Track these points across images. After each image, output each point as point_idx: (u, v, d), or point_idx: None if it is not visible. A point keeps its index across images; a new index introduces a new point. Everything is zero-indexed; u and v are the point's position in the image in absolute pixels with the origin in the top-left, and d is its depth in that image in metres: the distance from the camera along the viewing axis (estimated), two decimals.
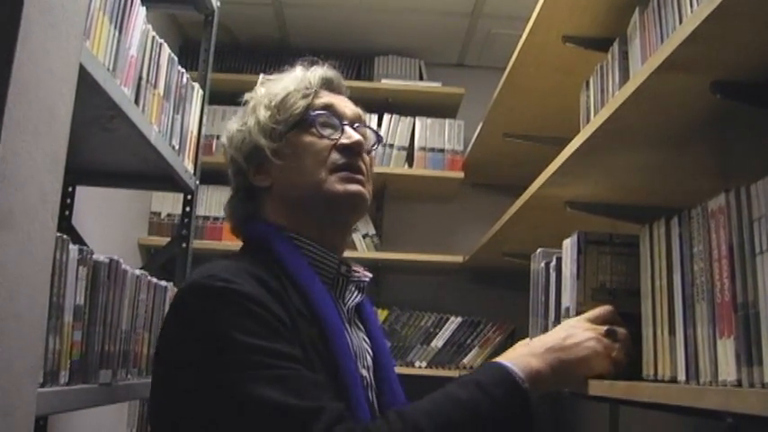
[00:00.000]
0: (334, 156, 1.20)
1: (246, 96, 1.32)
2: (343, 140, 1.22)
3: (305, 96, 1.24)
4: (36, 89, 0.91)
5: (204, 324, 1.00)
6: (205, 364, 0.98)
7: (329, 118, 1.24)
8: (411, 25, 3.46)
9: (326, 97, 1.26)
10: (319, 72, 1.29)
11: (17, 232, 0.89)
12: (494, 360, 1.11)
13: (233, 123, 1.30)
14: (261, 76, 1.34)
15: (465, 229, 3.49)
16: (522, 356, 1.10)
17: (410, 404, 1.03)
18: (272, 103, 1.24)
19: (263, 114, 1.24)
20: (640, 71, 1.12)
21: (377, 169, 3.24)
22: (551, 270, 1.47)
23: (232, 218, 1.29)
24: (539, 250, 1.58)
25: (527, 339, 1.47)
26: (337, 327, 1.09)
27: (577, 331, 1.16)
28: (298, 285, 1.11)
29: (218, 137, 3.04)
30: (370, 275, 1.27)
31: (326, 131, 1.23)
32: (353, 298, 1.23)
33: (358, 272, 1.24)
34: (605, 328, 1.18)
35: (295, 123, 1.22)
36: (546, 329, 1.46)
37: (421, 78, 3.64)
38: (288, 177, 1.22)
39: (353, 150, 1.22)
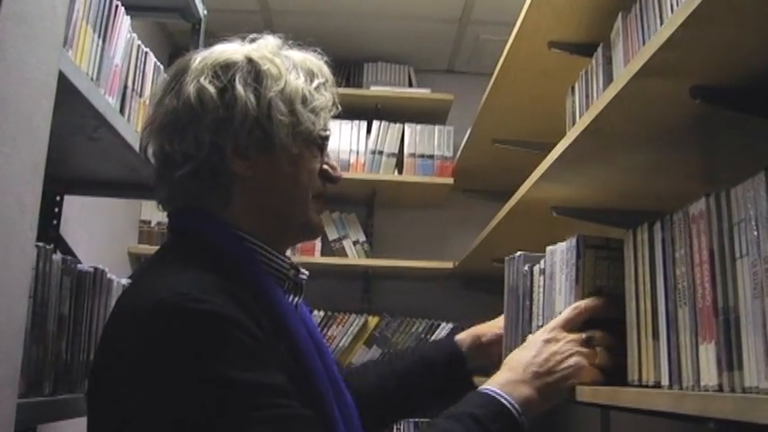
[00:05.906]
0: (319, 181, 1.15)
1: (262, 54, 1.13)
2: (333, 173, 1.16)
3: (328, 112, 1.14)
4: (14, 100, 0.91)
5: (191, 359, 0.89)
6: (198, 408, 0.88)
7: (329, 141, 1.18)
8: (400, 32, 3.47)
9: None
10: (335, 91, 1.17)
11: None
12: (486, 388, 1.10)
13: (237, 83, 1.08)
14: (271, 37, 1.20)
15: (455, 234, 3.49)
16: (511, 383, 1.10)
17: None
18: (308, 101, 1.10)
19: (300, 109, 1.08)
20: (620, 76, 1.12)
21: (367, 176, 3.30)
22: (539, 274, 1.43)
23: (176, 200, 1.11)
24: (518, 253, 1.53)
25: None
26: (306, 342, 1.03)
27: (557, 346, 1.15)
28: (258, 295, 1.02)
29: None
30: (308, 273, 1.16)
31: (326, 156, 1.17)
32: (295, 299, 1.15)
33: (303, 273, 1.16)
34: (584, 335, 1.17)
35: (312, 138, 1.12)
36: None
37: (410, 85, 3.65)
38: (274, 181, 1.10)
39: (334, 183, 1.17)
